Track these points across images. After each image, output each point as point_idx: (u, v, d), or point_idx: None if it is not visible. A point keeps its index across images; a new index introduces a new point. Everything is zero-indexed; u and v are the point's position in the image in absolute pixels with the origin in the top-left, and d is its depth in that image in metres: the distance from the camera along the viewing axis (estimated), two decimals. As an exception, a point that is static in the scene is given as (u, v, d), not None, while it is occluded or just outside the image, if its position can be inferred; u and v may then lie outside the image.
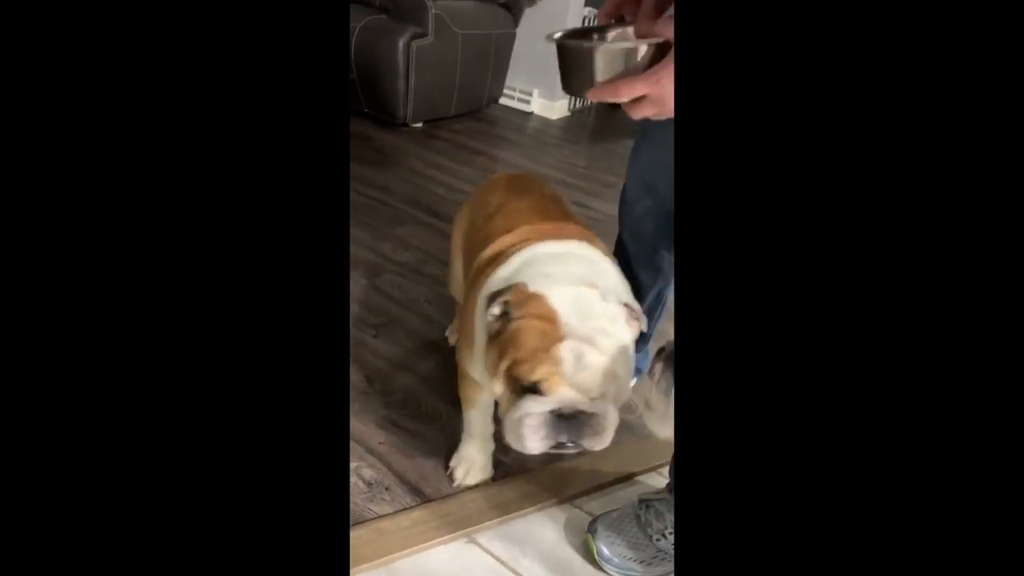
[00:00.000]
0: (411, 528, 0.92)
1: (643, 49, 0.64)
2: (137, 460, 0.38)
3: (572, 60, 0.68)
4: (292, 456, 0.40)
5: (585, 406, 0.73)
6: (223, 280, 0.39)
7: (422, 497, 0.98)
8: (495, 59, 2.76)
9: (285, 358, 0.40)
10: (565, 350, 0.72)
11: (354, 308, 1.41)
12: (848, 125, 0.37)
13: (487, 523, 0.94)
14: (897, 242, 0.37)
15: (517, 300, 0.77)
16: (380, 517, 0.94)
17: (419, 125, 2.61)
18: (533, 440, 0.74)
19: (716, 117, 0.40)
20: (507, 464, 1.04)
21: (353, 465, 1.02)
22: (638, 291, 1.05)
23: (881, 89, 0.37)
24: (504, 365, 0.76)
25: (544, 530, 0.96)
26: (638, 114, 0.66)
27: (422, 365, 1.27)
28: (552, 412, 0.73)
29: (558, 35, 0.71)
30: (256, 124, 0.39)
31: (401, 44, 2.34)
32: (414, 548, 0.89)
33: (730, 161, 0.40)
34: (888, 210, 0.37)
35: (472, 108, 2.82)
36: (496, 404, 0.86)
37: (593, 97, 0.67)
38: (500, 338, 0.77)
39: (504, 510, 0.96)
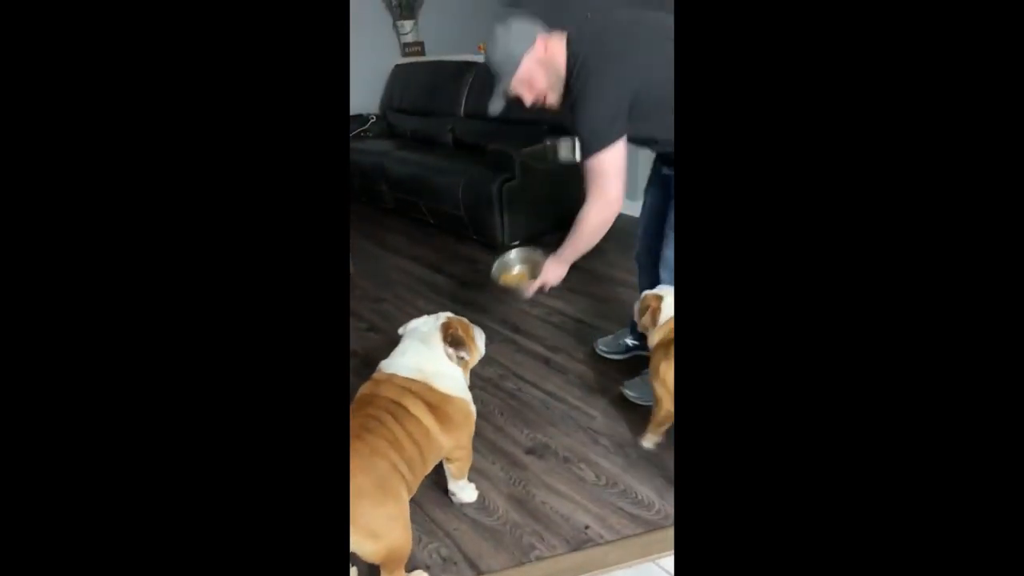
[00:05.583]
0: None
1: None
2: (136, 463, 0.36)
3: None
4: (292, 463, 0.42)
5: None
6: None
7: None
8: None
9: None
10: None
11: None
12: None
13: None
14: (881, 245, 0.35)
15: None
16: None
17: (516, 243, 3.11)
18: None
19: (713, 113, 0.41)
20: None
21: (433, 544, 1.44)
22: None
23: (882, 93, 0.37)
24: None
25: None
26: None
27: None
28: None
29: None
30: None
31: (494, 188, 2.91)
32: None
33: (728, 160, 0.40)
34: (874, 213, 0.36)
35: (564, 225, 3.27)
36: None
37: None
38: None
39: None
